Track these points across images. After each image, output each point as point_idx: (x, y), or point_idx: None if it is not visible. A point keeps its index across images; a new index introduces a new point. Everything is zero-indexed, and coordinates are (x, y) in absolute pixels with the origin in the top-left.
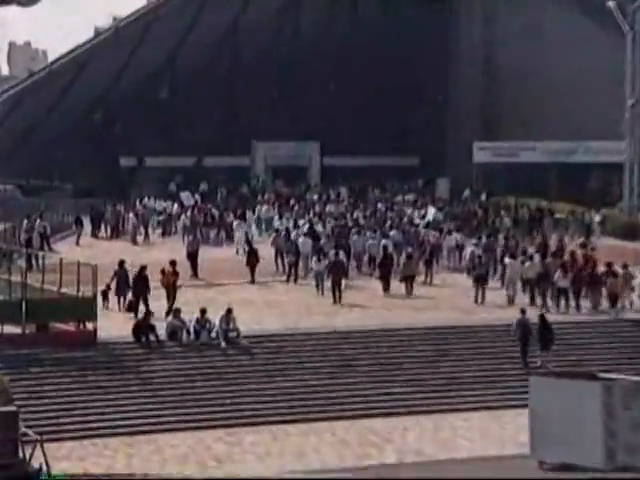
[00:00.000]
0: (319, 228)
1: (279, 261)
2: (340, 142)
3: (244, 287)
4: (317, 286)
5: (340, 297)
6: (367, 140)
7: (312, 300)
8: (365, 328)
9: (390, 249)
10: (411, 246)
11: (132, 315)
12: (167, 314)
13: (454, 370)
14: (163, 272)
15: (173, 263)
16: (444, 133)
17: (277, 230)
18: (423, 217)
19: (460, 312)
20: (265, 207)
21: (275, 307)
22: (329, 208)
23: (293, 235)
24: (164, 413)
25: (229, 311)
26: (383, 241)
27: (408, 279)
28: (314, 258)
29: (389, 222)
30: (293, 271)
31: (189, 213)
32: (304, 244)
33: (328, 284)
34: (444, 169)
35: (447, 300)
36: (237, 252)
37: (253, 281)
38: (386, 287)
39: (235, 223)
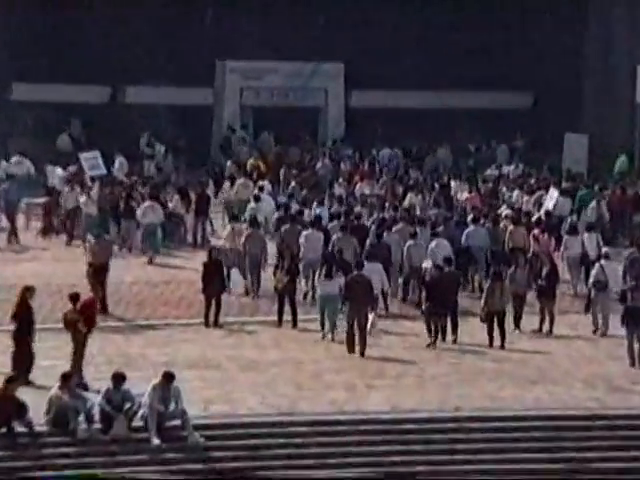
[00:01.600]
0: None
1: (255, 281)
2: (382, 65)
3: (198, 333)
4: (322, 324)
5: (363, 347)
6: (432, 62)
7: (323, 357)
8: (423, 415)
9: (441, 256)
10: (503, 259)
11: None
12: (64, 380)
13: None
14: (74, 300)
15: (96, 284)
16: (579, 53)
17: (251, 221)
18: (539, 206)
19: (604, 387)
20: (241, 181)
21: (255, 372)
22: (360, 188)
23: (283, 228)
24: None
25: (168, 378)
26: (433, 243)
27: (496, 318)
28: (323, 273)
29: (471, 215)
30: (288, 301)
31: (96, 192)
32: (310, 242)
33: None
34: (579, 117)
35: (578, 363)
36: (150, 261)
37: (216, 322)
38: (433, 333)
39: (144, 205)
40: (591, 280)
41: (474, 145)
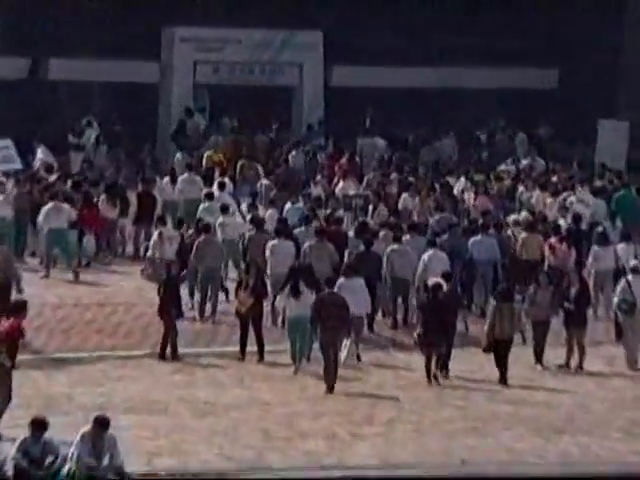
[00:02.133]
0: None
1: (211, 301)
2: (370, 34)
3: (140, 368)
4: (294, 356)
5: (333, 379)
6: (434, 32)
7: (296, 398)
8: (421, 472)
9: (437, 271)
10: (515, 274)
11: None
12: None
13: None
14: None
15: (17, 308)
16: (615, 21)
17: (199, 227)
18: (565, 211)
19: None
20: (185, 176)
21: (212, 417)
22: (343, 187)
23: (248, 233)
24: None
25: (101, 425)
26: (426, 254)
27: (501, 348)
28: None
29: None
30: (253, 328)
31: (9, 190)
32: (277, 254)
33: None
34: (615, 100)
35: (615, 407)
36: (46, 275)
37: (163, 354)
38: (433, 368)
39: (47, 207)
40: (615, 300)
41: (485, 133)
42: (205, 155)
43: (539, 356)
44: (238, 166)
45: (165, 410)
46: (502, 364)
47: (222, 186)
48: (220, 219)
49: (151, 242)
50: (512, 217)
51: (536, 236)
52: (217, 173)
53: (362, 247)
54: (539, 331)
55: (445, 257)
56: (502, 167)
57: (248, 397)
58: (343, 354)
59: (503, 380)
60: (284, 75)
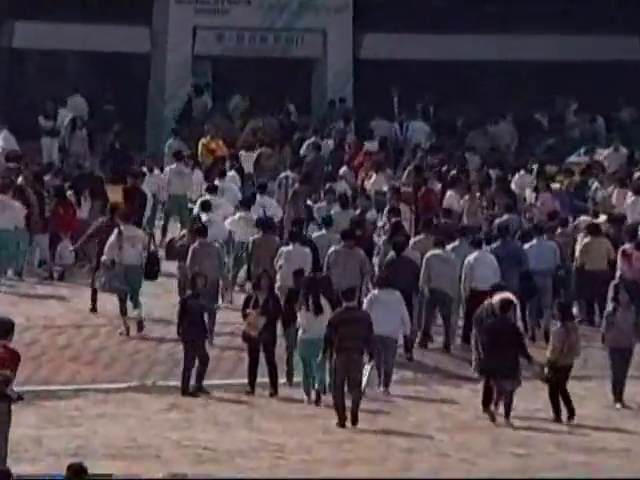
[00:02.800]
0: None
1: (210, 320)
2: None
3: (125, 405)
4: (306, 387)
5: (355, 414)
6: None
7: (317, 441)
8: None
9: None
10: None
11: None
12: None
13: None
14: None
15: (5, 330)
16: None
17: (197, 227)
18: None
19: None
20: (173, 167)
21: (213, 464)
22: (374, 183)
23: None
24: None
25: (76, 474)
26: (472, 255)
27: (562, 376)
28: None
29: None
30: (264, 355)
31: None
32: (292, 262)
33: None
34: None
35: None
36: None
37: (199, 388)
38: (487, 401)
39: None
40: None
41: (546, 116)
42: (200, 143)
43: (619, 392)
44: (255, 155)
45: (156, 456)
46: (564, 397)
47: (223, 174)
48: (203, 217)
49: (107, 244)
50: (582, 218)
51: (602, 241)
52: (227, 165)
53: (392, 253)
54: (619, 361)
55: (494, 260)
56: (572, 158)
57: (258, 441)
58: (363, 382)
59: (570, 415)
60: (303, 45)
